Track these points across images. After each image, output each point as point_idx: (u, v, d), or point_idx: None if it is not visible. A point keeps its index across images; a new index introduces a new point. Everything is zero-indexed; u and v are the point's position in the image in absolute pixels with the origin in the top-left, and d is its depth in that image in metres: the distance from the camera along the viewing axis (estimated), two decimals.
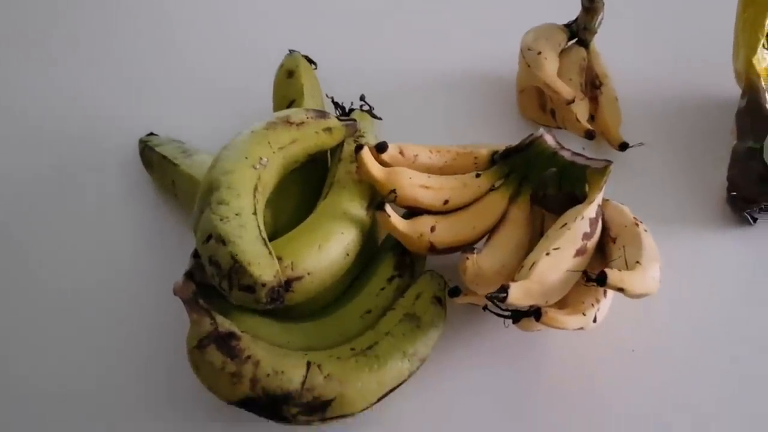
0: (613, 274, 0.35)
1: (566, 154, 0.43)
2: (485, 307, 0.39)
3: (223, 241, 0.36)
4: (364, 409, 0.39)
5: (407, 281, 0.43)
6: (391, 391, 0.40)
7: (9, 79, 0.59)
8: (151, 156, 0.50)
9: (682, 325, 0.44)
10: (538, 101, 0.53)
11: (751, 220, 0.48)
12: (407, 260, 0.44)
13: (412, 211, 0.43)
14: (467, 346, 0.44)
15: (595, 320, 0.39)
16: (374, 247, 0.45)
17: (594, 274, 0.36)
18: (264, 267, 0.36)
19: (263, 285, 0.36)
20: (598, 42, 0.54)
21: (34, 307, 0.46)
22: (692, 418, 0.41)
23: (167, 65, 0.60)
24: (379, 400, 0.39)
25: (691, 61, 0.56)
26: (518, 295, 0.36)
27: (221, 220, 0.37)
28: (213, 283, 0.37)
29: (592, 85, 0.53)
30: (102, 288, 0.47)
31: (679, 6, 0.62)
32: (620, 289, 0.36)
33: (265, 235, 0.38)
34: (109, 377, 0.43)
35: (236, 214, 0.38)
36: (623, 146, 0.51)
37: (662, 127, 0.53)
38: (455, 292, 0.42)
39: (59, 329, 0.45)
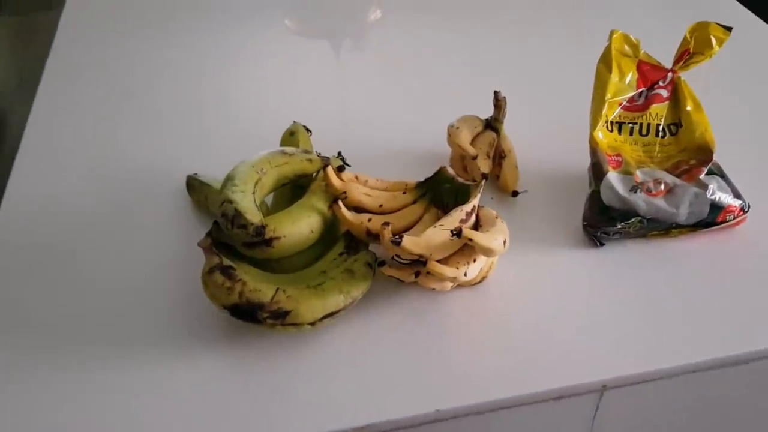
0: (465, 230, 0.57)
1: (459, 179, 0.66)
2: (393, 257, 0.60)
3: (231, 201, 0.59)
4: (311, 323, 0.59)
5: (353, 257, 0.65)
6: (331, 315, 0.60)
7: (102, 132, 0.86)
8: (193, 182, 0.75)
9: (547, 306, 0.65)
10: (461, 166, 0.77)
11: (599, 243, 0.69)
12: (353, 244, 0.65)
13: (358, 211, 0.66)
14: (388, 302, 0.64)
15: (465, 275, 0.60)
16: (335, 236, 0.67)
17: (455, 230, 0.57)
18: (252, 215, 0.59)
19: (251, 224, 0.58)
20: (510, 129, 0.78)
21: (116, 265, 0.69)
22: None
23: (209, 128, 0.87)
24: (322, 318, 0.59)
25: (569, 136, 0.78)
26: (409, 243, 0.58)
27: (232, 192, 0.61)
28: (223, 228, 0.60)
29: (499, 156, 0.76)
30: (153, 263, 0.69)
31: (556, 100, 0.89)
32: (470, 240, 0.57)
33: (257, 204, 0.61)
34: (159, 303, 0.65)
35: (241, 191, 0.61)
36: (515, 194, 0.74)
37: (547, 181, 0.76)
38: (383, 264, 0.63)
39: (132, 280, 0.67)
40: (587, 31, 1.03)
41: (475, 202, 0.63)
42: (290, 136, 0.75)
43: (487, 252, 0.59)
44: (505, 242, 0.60)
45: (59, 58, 1.00)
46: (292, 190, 0.69)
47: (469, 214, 0.62)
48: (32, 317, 0.64)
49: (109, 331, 0.62)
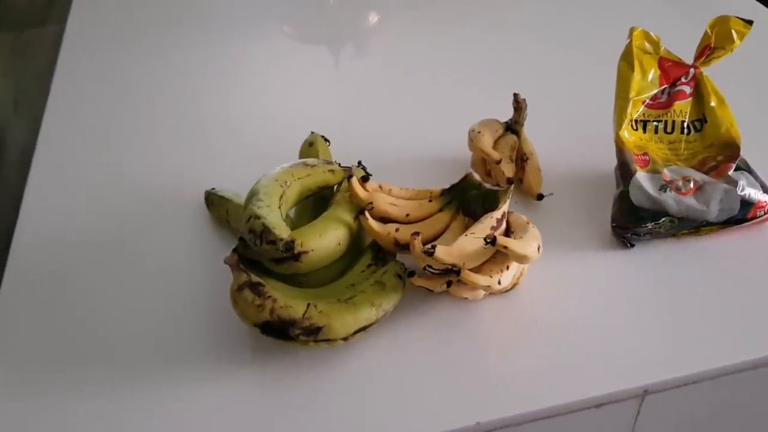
0: (500, 238, 0.56)
1: (486, 185, 0.65)
2: (425, 268, 0.59)
3: (258, 217, 0.58)
4: (344, 338, 0.58)
5: (381, 268, 0.64)
6: (363, 329, 0.58)
7: (111, 149, 0.85)
8: (213, 197, 0.73)
9: (581, 311, 0.63)
10: (484, 170, 0.76)
11: (629, 245, 0.68)
12: (381, 255, 0.64)
13: (384, 221, 0.64)
14: (417, 312, 0.63)
15: (499, 282, 0.59)
16: (361, 247, 0.66)
17: (489, 239, 0.56)
18: (281, 230, 0.57)
19: (281, 239, 0.57)
20: (529, 131, 0.77)
21: (139, 285, 0.68)
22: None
23: (218, 141, 0.86)
24: (354, 333, 0.58)
25: (590, 137, 0.77)
26: (442, 253, 0.56)
27: (258, 207, 0.59)
28: (250, 244, 0.58)
29: (521, 159, 0.75)
30: (178, 282, 0.67)
31: (573, 99, 0.88)
32: (505, 248, 0.56)
33: (283, 217, 0.60)
34: (185, 322, 0.64)
35: (267, 206, 0.60)
36: (540, 197, 0.72)
37: (570, 183, 0.75)
38: (411, 274, 0.62)
39: (158, 299, 0.66)
40: (603, 29, 1.02)
41: (504, 208, 0.62)
42: (309, 147, 0.74)
43: (522, 259, 0.58)
44: (539, 248, 0.59)
45: (65, 75, 0.99)
46: (314, 201, 0.68)
47: (499, 221, 0.60)
48: (56, 339, 0.63)
49: (134, 351, 0.61)
